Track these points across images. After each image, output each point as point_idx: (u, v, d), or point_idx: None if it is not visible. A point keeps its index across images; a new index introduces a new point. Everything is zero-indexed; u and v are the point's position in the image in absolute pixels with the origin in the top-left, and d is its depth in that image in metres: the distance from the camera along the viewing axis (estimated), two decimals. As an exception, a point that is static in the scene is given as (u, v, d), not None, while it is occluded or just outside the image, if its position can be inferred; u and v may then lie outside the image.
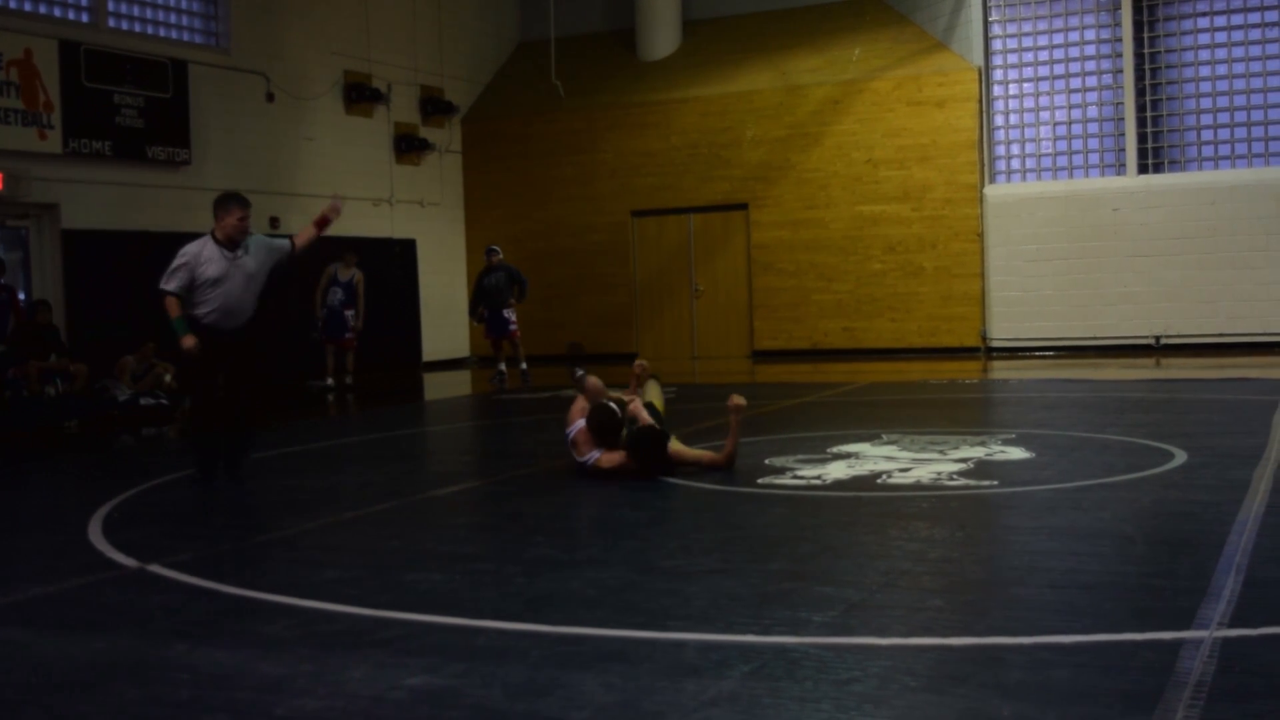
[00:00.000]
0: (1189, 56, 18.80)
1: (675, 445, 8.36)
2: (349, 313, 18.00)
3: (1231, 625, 4.49)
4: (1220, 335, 18.31)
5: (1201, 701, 3.72)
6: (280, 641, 4.78)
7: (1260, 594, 4.93)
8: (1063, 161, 19.48)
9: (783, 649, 4.43)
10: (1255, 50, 18.38)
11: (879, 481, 7.94)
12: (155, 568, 6.15)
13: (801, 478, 8.18)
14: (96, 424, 13.87)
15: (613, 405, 8.27)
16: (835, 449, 9.31)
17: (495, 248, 18.27)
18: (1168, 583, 5.23)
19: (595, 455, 8.35)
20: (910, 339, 19.93)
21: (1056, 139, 19.51)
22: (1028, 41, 19.65)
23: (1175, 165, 18.88)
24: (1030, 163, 19.66)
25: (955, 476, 8.00)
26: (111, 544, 6.75)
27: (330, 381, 17.88)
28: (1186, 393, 13.13)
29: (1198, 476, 7.80)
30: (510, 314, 17.86)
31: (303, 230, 9.33)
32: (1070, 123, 19.44)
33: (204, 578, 5.87)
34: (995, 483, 7.76)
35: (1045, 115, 19.56)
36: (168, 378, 15.44)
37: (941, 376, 16.21)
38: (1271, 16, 18.31)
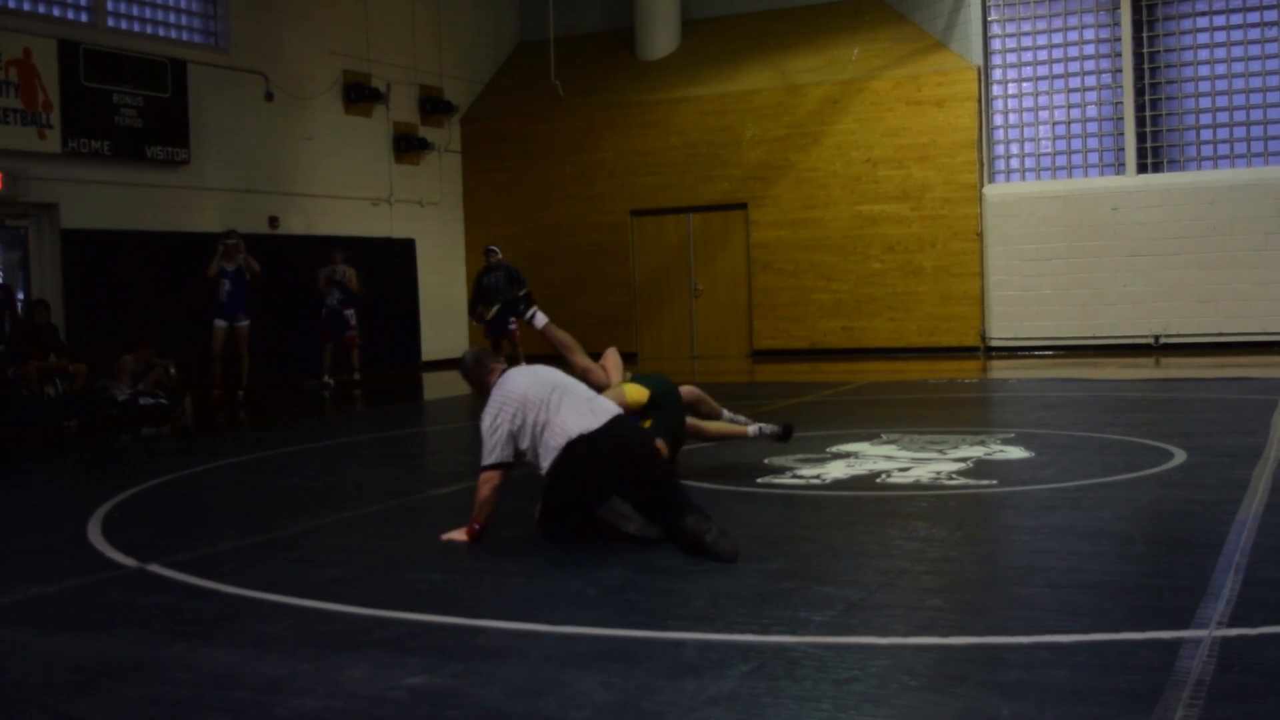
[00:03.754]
0: (1188, 56, 18.80)
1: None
2: (348, 311, 18.02)
3: (1231, 625, 4.49)
4: (1219, 334, 18.32)
5: (1201, 701, 3.72)
6: (279, 641, 4.78)
7: (1259, 593, 4.93)
8: (1062, 161, 19.49)
9: (782, 648, 4.43)
10: (1254, 50, 18.38)
11: (878, 481, 7.94)
12: (155, 567, 6.15)
13: (801, 477, 8.18)
14: (96, 424, 13.86)
15: None
16: (834, 448, 9.31)
17: (494, 248, 18.27)
18: (1167, 582, 5.23)
19: None
20: (909, 338, 19.93)
21: (1056, 138, 19.51)
22: (1027, 41, 19.65)
23: (1174, 165, 18.88)
24: (1029, 162, 19.66)
25: (954, 476, 8.00)
26: (111, 544, 6.75)
27: (328, 380, 17.82)
28: (1185, 392, 13.13)
29: (1197, 476, 7.80)
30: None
31: None
32: (1069, 122, 19.44)
33: (203, 577, 5.87)
34: (994, 482, 7.76)
35: (1044, 115, 19.57)
36: (171, 370, 15.45)
37: (941, 376, 16.22)
38: (1271, 16, 18.32)
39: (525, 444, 6.31)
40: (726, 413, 8.91)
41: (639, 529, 6.17)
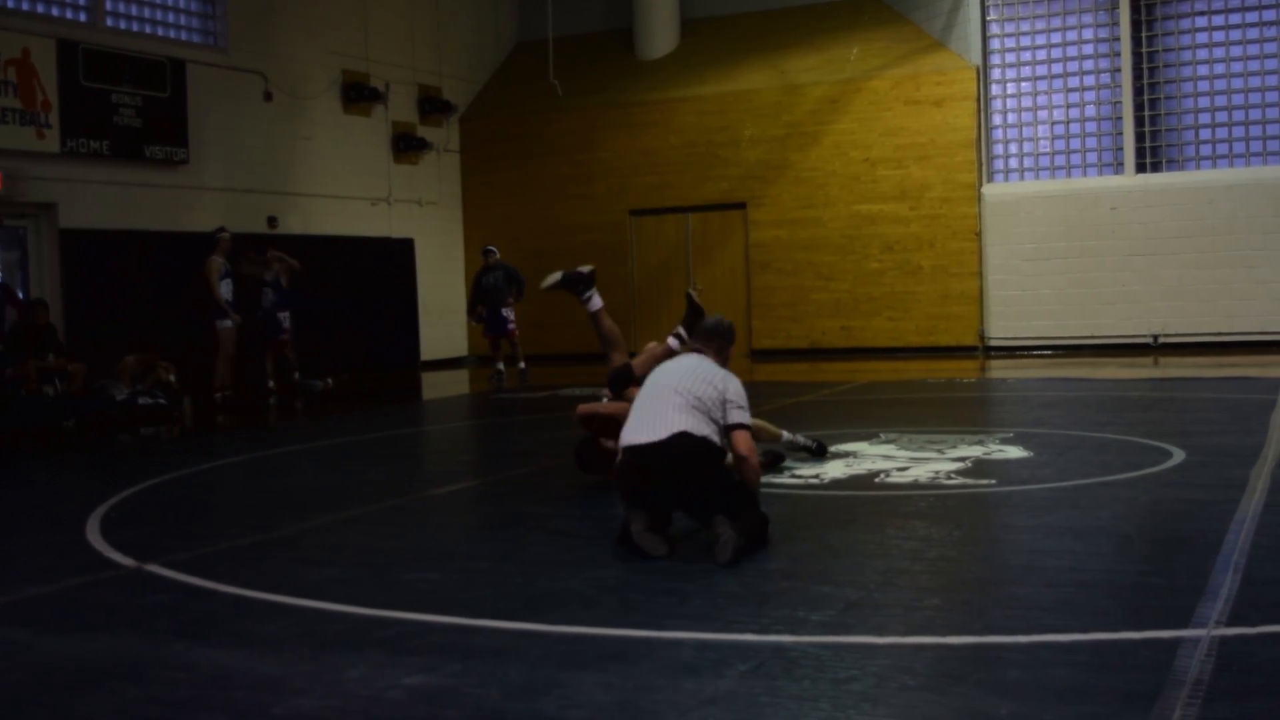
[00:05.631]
0: (1186, 56, 18.80)
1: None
2: (281, 314, 17.26)
3: (1229, 624, 4.49)
4: (1218, 334, 18.31)
5: (1199, 700, 3.73)
6: (278, 641, 4.78)
7: (1258, 592, 4.93)
8: (1060, 160, 19.48)
9: (780, 648, 4.43)
10: (1253, 49, 18.38)
11: (877, 480, 7.95)
12: (153, 567, 6.15)
13: (799, 477, 8.18)
14: (94, 423, 13.86)
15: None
16: (833, 448, 9.30)
17: (492, 248, 18.29)
18: (1165, 581, 5.24)
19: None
20: (908, 338, 19.93)
21: (1054, 138, 19.50)
22: (1025, 41, 19.64)
23: (1173, 164, 18.87)
24: (1028, 162, 19.65)
25: (953, 475, 8.00)
26: (109, 543, 6.75)
27: (271, 384, 17.29)
28: (1184, 392, 13.13)
29: (1195, 475, 7.81)
30: (509, 313, 17.88)
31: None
32: (1068, 122, 19.43)
33: (202, 577, 5.87)
34: (993, 481, 7.76)
35: (1043, 114, 19.56)
36: (171, 377, 15.42)
37: (939, 375, 16.22)
38: (1269, 16, 18.31)
39: None
40: (785, 433, 8.99)
41: (649, 547, 5.98)
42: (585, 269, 8.57)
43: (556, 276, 8.72)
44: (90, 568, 6.22)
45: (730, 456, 6.27)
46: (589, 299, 8.47)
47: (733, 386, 6.28)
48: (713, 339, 6.70)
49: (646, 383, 6.44)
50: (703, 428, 6.10)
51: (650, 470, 6.02)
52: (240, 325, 16.49)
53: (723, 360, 6.63)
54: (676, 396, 6.16)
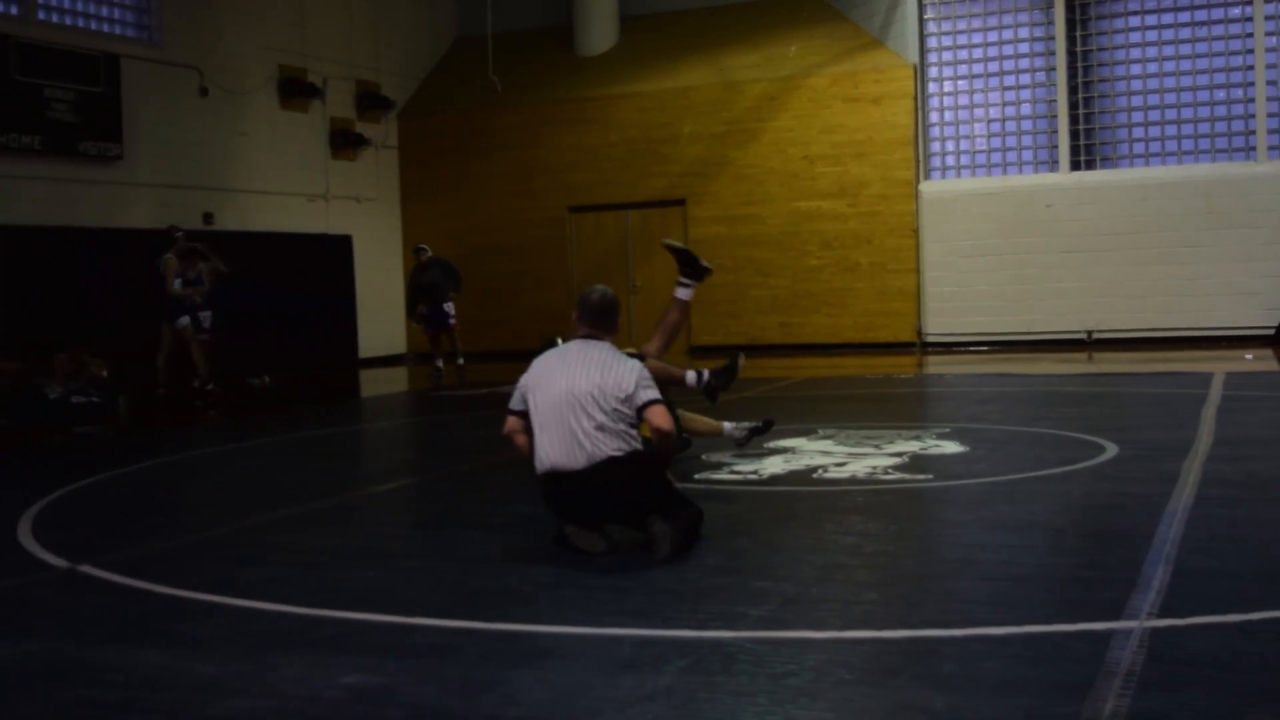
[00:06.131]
0: (1120, 55, 19.04)
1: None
2: (203, 314, 16.61)
3: (1161, 615, 4.55)
4: (1151, 330, 18.56)
5: (1131, 691, 3.77)
6: (213, 641, 4.74)
7: (1189, 584, 4.99)
8: (996, 158, 19.67)
9: (719, 643, 4.44)
10: (1185, 49, 18.63)
11: (815, 476, 7.99)
12: (86, 568, 6.07)
13: (738, 473, 8.20)
14: (28, 423, 13.66)
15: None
16: (771, 444, 9.34)
17: (424, 246, 18.16)
18: (1098, 574, 5.30)
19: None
20: (846, 334, 20.04)
21: (991, 136, 19.69)
22: (962, 39, 19.81)
23: (1107, 162, 19.11)
24: (965, 159, 19.82)
25: (890, 471, 8.05)
26: (41, 544, 6.66)
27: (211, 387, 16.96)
28: (1117, 387, 13.30)
29: (1128, 469, 7.90)
30: (450, 307, 17.80)
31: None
32: (1004, 120, 19.62)
33: (136, 578, 5.80)
34: (930, 476, 7.82)
35: (980, 112, 19.74)
36: (104, 373, 15.19)
37: (877, 371, 16.32)
38: (1200, 15, 18.57)
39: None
40: (727, 424, 9.07)
41: (587, 545, 5.97)
42: (706, 263, 8.70)
43: (681, 244, 8.81)
44: (22, 569, 6.13)
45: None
46: (687, 286, 8.60)
47: (640, 376, 5.98)
48: (601, 319, 6.22)
49: (544, 379, 6.04)
50: (628, 443, 5.91)
51: (581, 495, 5.91)
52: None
53: (613, 332, 6.27)
54: (595, 409, 5.86)
